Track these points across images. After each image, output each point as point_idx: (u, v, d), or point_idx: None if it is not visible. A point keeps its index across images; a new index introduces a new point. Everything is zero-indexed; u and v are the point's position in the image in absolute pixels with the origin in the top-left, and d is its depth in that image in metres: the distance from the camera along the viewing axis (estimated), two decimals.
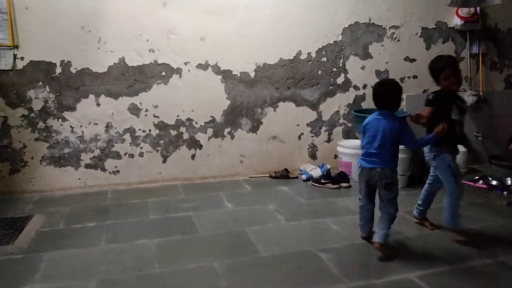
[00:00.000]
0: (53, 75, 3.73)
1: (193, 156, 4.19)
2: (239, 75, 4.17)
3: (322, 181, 4.01)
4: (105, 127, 3.92)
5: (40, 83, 3.71)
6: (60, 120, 3.81)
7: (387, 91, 2.68)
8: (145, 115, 4.00)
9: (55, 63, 3.72)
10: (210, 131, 4.19)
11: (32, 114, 3.74)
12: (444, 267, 2.47)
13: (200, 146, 4.19)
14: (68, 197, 3.73)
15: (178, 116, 4.09)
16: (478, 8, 4.65)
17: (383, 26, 4.51)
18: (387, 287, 2.27)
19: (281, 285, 2.30)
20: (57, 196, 3.76)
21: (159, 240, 2.84)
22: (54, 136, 3.82)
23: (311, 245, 2.75)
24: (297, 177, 4.29)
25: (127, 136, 3.98)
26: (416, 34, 4.64)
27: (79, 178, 3.92)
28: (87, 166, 3.93)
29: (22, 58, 3.64)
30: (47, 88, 3.74)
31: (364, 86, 4.55)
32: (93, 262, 2.54)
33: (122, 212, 3.36)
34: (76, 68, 3.77)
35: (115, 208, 3.46)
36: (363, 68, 4.52)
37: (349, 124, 4.56)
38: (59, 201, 3.63)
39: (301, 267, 2.48)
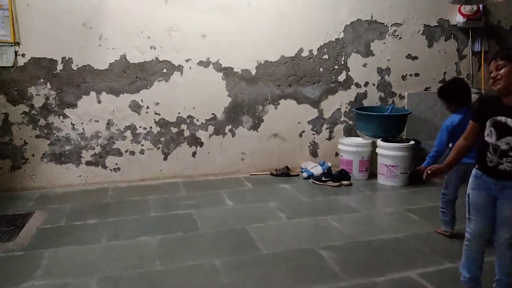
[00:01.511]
0: (54, 72, 3.72)
1: (194, 154, 4.19)
2: (240, 72, 4.16)
3: (323, 179, 4.01)
4: (106, 124, 3.91)
5: (41, 80, 3.70)
6: (61, 117, 3.80)
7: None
8: (146, 112, 3.99)
9: (56, 60, 3.71)
10: (211, 128, 4.19)
11: (33, 111, 3.73)
12: (445, 265, 2.47)
13: (201, 144, 4.19)
14: (69, 194, 3.73)
15: (179, 113, 4.08)
16: (480, 6, 4.63)
17: (385, 24, 4.49)
18: (388, 285, 2.27)
19: (282, 283, 2.30)
20: (58, 193, 3.76)
21: (160, 238, 2.84)
22: (55, 133, 3.81)
23: (312, 243, 2.75)
24: (298, 175, 4.28)
25: (128, 133, 3.98)
26: (418, 32, 4.62)
27: (80, 175, 3.92)
28: (88, 163, 3.93)
29: (23, 55, 3.63)
30: (48, 85, 3.73)
31: (366, 84, 4.54)
32: (94, 259, 2.54)
33: (123, 210, 3.36)
34: (77, 65, 3.76)
35: (116, 205, 3.45)
36: (364, 65, 4.51)
37: (351, 122, 4.55)
38: (60, 198, 3.63)
39: (302, 264, 2.48)
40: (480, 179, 2.02)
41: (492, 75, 1.94)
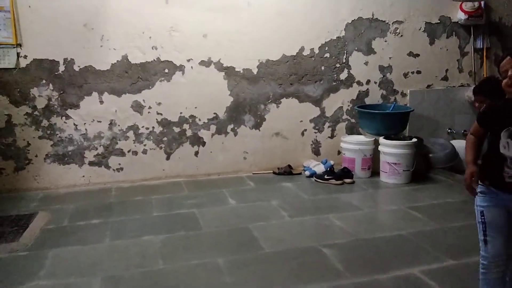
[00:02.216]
0: (56, 73, 3.74)
1: (196, 153, 4.19)
2: (242, 71, 4.16)
3: (326, 177, 4.01)
4: (109, 124, 3.93)
5: (44, 81, 3.72)
6: (63, 118, 3.82)
7: None
8: (148, 112, 4.00)
9: (58, 61, 3.72)
10: (213, 128, 4.19)
11: (36, 112, 3.75)
12: (448, 262, 2.46)
13: (203, 143, 4.19)
14: (72, 195, 3.74)
15: (181, 113, 4.09)
16: (482, 2, 4.62)
17: (387, 21, 4.49)
18: (391, 282, 2.27)
19: (285, 281, 2.30)
20: (61, 194, 3.77)
21: (163, 237, 2.85)
22: (58, 134, 3.83)
23: (314, 241, 2.75)
24: (300, 173, 4.28)
25: (130, 134, 3.99)
26: (420, 29, 4.61)
27: (83, 176, 3.94)
28: (91, 163, 3.94)
29: (25, 57, 3.64)
30: (51, 86, 3.74)
31: (368, 82, 4.54)
32: (98, 259, 2.55)
33: (126, 209, 3.37)
34: (79, 66, 3.77)
35: (119, 205, 3.47)
36: (366, 63, 4.50)
37: (353, 120, 4.55)
38: (63, 199, 3.64)
39: (305, 263, 2.48)
40: (495, 195, 1.78)
41: (510, 73, 1.66)
